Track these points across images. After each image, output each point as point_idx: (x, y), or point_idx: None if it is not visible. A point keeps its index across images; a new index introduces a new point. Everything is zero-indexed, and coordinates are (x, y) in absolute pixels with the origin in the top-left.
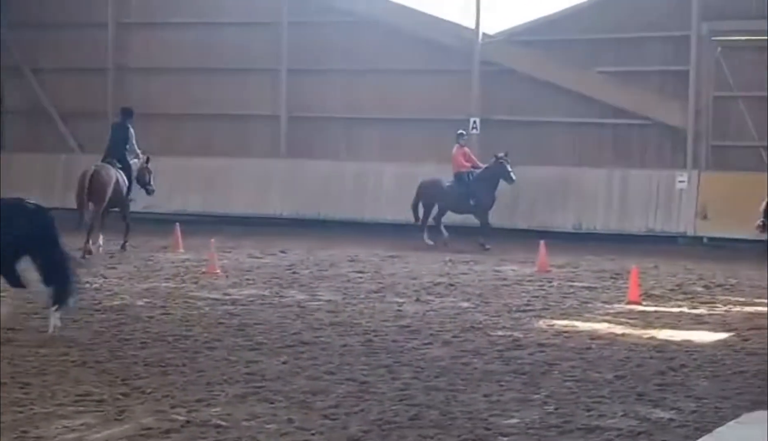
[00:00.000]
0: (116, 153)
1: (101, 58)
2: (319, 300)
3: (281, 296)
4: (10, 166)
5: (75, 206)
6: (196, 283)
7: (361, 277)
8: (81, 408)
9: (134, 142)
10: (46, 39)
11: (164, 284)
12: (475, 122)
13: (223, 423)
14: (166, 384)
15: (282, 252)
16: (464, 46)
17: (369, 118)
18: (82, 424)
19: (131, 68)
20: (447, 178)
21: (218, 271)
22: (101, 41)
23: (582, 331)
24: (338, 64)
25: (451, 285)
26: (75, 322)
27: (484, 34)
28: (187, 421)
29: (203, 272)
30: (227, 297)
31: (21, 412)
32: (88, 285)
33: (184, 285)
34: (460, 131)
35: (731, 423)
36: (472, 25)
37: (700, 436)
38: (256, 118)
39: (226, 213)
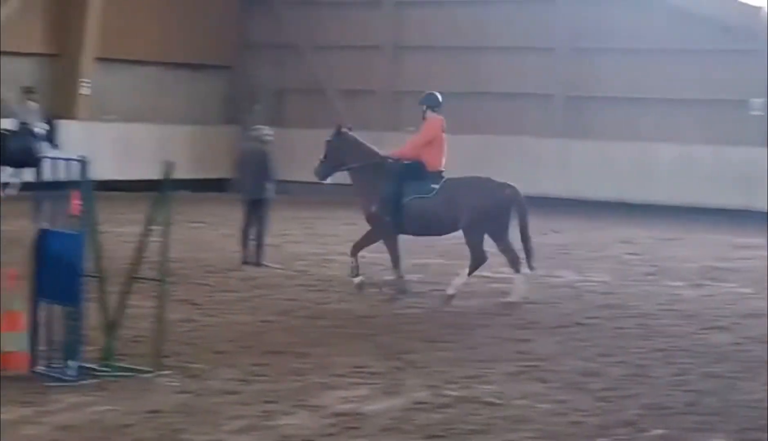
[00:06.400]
0: None
1: (376, 36)
2: (592, 281)
3: (555, 276)
4: (288, 141)
5: None
6: None
7: (636, 260)
8: (357, 380)
9: None
10: (321, 17)
11: (434, 261)
12: (762, 103)
13: (496, 401)
14: (438, 359)
15: (554, 232)
16: (749, 25)
17: (645, 98)
18: (357, 396)
19: (406, 46)
20: None
21: None
22: (374, 19)
23: None
24: (620, 43)
25: (730, 270)
26: (351, 295)
27: None
28: (460, 397)
29: None
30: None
31: (299, 382)
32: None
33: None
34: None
35: None
36: (758, 3)
37: None
38: (529, 97)
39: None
